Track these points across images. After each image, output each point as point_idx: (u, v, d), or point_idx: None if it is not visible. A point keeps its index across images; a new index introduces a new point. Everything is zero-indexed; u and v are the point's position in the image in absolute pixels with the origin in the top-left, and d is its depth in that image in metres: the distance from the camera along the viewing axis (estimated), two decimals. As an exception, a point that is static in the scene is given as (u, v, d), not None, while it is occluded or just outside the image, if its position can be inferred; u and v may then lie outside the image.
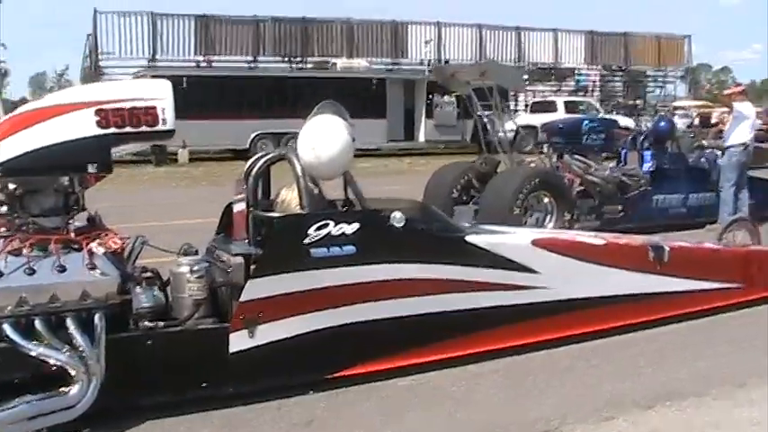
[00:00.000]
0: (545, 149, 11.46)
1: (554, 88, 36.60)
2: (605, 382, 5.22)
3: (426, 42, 32.06)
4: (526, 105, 33.15)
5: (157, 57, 31.59)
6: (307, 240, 4.92)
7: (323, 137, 5.12)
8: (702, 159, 11.98)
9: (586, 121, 10.97)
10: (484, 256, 5.55)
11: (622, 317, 6.09)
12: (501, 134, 10.85)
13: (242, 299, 4.77)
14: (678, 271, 6.46)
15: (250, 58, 32.13)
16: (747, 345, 5.97)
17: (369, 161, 26.36)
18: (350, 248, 5.05)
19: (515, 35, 35.52)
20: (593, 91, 37.25)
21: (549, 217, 9.77)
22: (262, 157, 5.49)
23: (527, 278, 5.71)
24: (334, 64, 30.19)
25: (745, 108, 11.55)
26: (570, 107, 29.68)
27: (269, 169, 5.55)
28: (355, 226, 5.06)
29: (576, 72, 37.59)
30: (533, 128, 26.12)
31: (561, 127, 11.49)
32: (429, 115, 28.83)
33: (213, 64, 31.98)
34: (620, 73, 38.36)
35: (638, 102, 38.52)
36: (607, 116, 22.59)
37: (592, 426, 4.53)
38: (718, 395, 4.97)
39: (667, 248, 6.42)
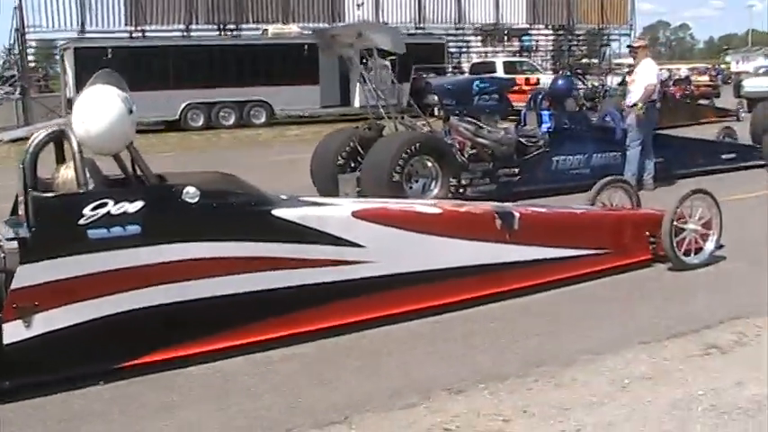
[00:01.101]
0: (436, 112, 11.00)
1: (498, 49, 36.09)
2: (420, 365, 4.81)
3: (358, 5, 31.32)
4: (454, 67, 32.63)
5: (87, 28, 30.61)
6: (82, 221, 4.50)
7: (92, 109, 4.68)
8: (607, 118, 11.54)
9: (477, 82, 10.47)
10: (295, 230, 5.11)
11: (465, 290, 5.70)
12: (383, 98, 10.30)
13: (13, 286, 4.37)
14: (532, 239, 6.06)
15: (183, 27, 31.24)
16: (591, 319, 5.57)
17: (301, 128, 25.88)
18: (134, 228, 4.63)
19: (455, -6, 34.87)
20: (536, 51, 36.75)
21: (434, 183, 9.32)
22: (42, 133, 4.96)
23: (348, 252, 5.28)
24: (266, 30, 29.46)
25: (648, 65, 11.14)
26: (509, 68, 29.22)
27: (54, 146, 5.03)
28: (139, 204, 4.63)
29: (520, 31, 37.07)
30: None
31: (450, 88, 11.01)
32: (362, 80, 28.15)
33: (146, 34, 31.08)
34: (563, 32, 37.83)
35: (592, 61, 38.22)
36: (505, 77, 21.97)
37: (383, 415, 4.11)
38: (541, 375, 4.56)
39: (517, 215, 5.99)
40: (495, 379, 4.50)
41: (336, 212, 5.39)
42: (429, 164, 9.27)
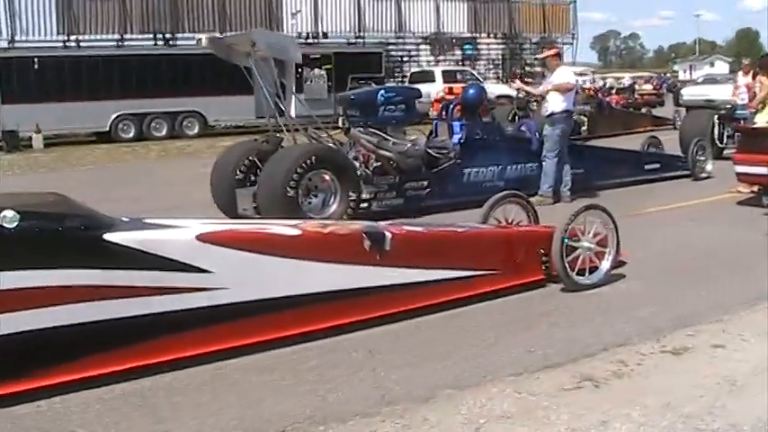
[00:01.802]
0: (340, 123, 10.53)
1: (440, 58, 35.80)
2: (259, 401, 4.31)
3: (293, 14, 30.78)
4: (404, 76, 32.30)
5: (16, 37, 29.68)
6: None
7: None
8: (523, 128, 11.16)
9: (382, 92, 10.00)
10: (131, 256, 4.60)
11: (329, 317, 5.22)
12: (281, 111, 9.80)
13: None
14: (406, 260, 5.60)
15: (117, 36, 30.44)
16: (464, 348, 5.12)
17: (235, 139, 25.24)
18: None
19: (395, 4, 34.38)
20: (476, 60, 36.49)
21: (333, 197, 8.83)
22: None
23: (194, 279, 4.78)
24: (200, 39, 28.74)
25: (564, 73, 10.79)
26: (448, 77, 28.91)
27: None
28: (-60, 230, 4.07)
29: (460, 40, 36.79)
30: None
31: (353, 99, 10.55)
32: (299, 89, 27.67)
33: (81, 44, 30.24)
34: (505, 41, 37.63)
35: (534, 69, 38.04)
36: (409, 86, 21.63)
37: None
38: (390, 415, 4.10)
39: (389, 235, 5.53)
40: (337, 419, 4.04)
41: (180, 236, 4.89)
42: (327, 177, 8.77)
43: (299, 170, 8.48)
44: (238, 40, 9.78)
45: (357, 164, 9.58)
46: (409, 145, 9.80)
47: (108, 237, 4.58)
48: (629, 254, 7.04)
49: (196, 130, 26.63)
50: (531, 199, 10.17)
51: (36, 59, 24.87)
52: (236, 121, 27.89)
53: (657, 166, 12.44)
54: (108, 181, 15.88)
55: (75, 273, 4.44)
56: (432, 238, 5.91)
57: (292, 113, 26.36)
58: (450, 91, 23.59)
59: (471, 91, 10.79)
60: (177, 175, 16.14)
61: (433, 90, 26.20)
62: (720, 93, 24.35)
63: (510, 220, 6.94)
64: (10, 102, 24.01)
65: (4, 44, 29.09)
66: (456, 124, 10.36)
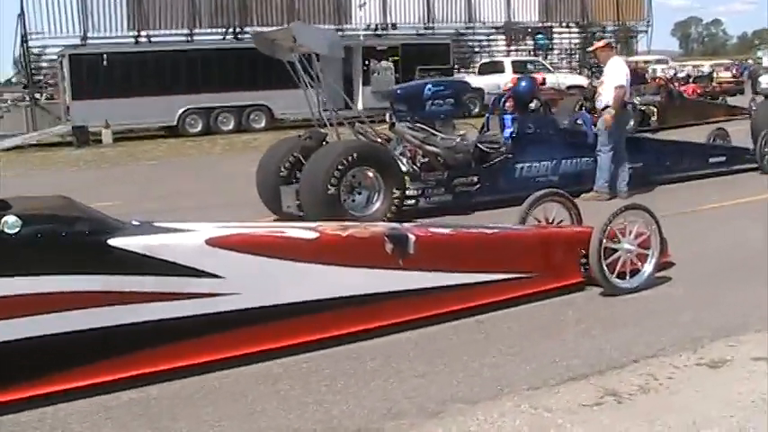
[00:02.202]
0: (387, 118, 10.31)
1: (512, 48, 35.27)
2: (261, 413, 4.14)
3: (360, 6, 30.61)
4: (474, 67, 31.89)
5: (90, 34, 30.27)
6: None
7: None
8: (579, 121, 10.78)
9: (429, 86, 9.73)
10: (135, 261, 4.48)
11: (347, 323, 5.03)
12: (323, 107, 9.62)
13: None
14: (432, 264, 5.37)
15: (187, 31, 30.77)
16: (484, 357, 4.87)
17: (302, 131, 25.28)
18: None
19: (465, -6, 34.02)
20: (549, 50, 35.82)
21: (377, 195, 8.63)
22: None
23: (203, 284, 4.64)
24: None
25: (616, 65, 10.37)
26: (518, 67, 28.41)
27: None
28: (-64, 235, 4.01)
29: (534, 30, 36.18)
30: (481, 90, 25.19)
31: (399, 93, 10.30)
32: (366, 82, 27.57)
33: (151, 39, 30.70)
34: (577, 30, 36.86)
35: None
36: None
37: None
38: (394, 430, 3.89)
39: (413, 238, 5.30)
40: (337, 436, 3.84)
41: (188, 240, 4.75)
42: (370, 175, 8.57)
43: (339, 167, 8.30)
44: (280, 36, 9.62)
45: (404, 160, 9.35)
46: (458, 140, 9.53)
47: (113, 242, 4.46)
48: (679, 254, 6.69)
49: (263, 124, 26.73)
50: (586, 195, 9.95)
51: (105, 56, 25.26)
52: (304, 115, 27.85)
53: (723, 159, 11.90)
54: (168, 176, 16.00)
55: (79, 278, 4.34)
56: (459, 240, 5.65)
57: (360, 106, 26.35)
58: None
59: (523, 83, 10.45)
60: (238, 170, 16.09)
61: (503, 81, 25.73)
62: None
63: (551, 220, 6.64)
64: (79, 98, 24.45)
65: (77, 41, 29.66)
66: (507, 118, 10.05)
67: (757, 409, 3.96)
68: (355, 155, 8.42)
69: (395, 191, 8.60)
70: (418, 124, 9.40)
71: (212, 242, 4.72)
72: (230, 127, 26.31)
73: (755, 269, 6.57)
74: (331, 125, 9.30)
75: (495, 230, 5.95)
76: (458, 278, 5.45)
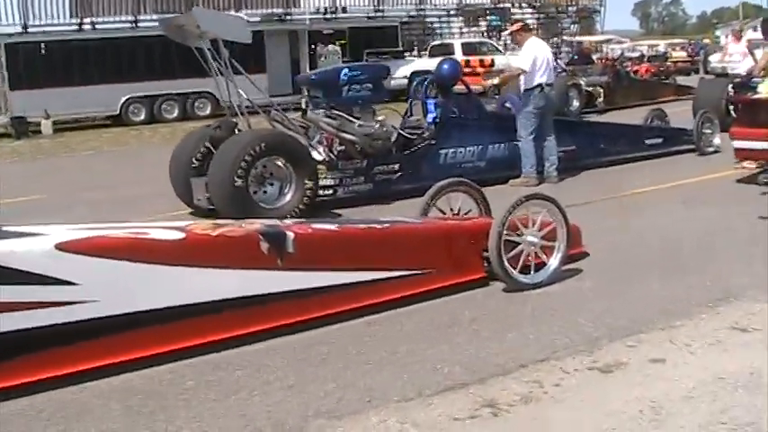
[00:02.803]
0: (303, 105, 9.91)
1: (465, 30, 34.88)
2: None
3: (308, -8, 30.07)
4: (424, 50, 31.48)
5: (30, 22, 29.34)
6: None
7: None
8: (507, 104, 10.43)
9: (345, 71, 9.31)
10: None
11: (220, 329, 4.65)
12: (232, 95, 9.17)
13: None
14: (314, 263, 5.00)
15: (131, 18, 29.97)
16: (363, 364, 4.50)
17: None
18: None
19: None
20: (503, 31, 35.38)
21: (288, 186, 8.23)
22: None
23: (55, 292, 4.22)
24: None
25: (536, 44, 10.02)
26: (468, 49, 28.07)
27: None
28: None
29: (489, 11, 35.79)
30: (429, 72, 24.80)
31: (314, 78, 9.89)
32: (313, 66, 27.04)
33: (96, 27, 29.86)
34: (531, 10, 36.54)
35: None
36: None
37: None
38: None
39: (291, 235, 4.92)
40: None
41: (36, 245, 4.34)
42: (281, 165, 8.17)
43: (247, 158, 7.89)
44: (185, 21, 9.15)
45: (321, 148, 8.95)
46: (376, 126, 9.14)
47: (-55, 250, 4.04)
48: (596, 244, 6.39)
49: (208, 111, 26.12)
50: (515, 180, 9.63)
51: (43, 44, 24.56)
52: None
53: (660, 140, 11.61)
54: (100, 167, 15.54)
55: None
56: (345, 236, 5.28)
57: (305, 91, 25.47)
58: (467, 64, 22.74)
59: (446, 66, 10.05)
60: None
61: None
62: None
63: (456, 211, 6.30)
64: (18, 88, 23.77)
65: (19, 29, 28.78)
66: (430, 102, 9.67)
67: (643, 420, 3.64)
68: (263, 144, 8.01)
69: (307, 181, 8.20)
70: (334, 111, 8.98)
71: (63, 246, 4.32)
72: (174, 115, 25.71)
73: (674, 260, 6.28)
74: (242, 114, 8.85)
75: (387, 225, 5.58)
76: (345, 277, 5.09)
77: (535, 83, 9.61)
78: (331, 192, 8.86)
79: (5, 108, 24.72)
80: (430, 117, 9.59)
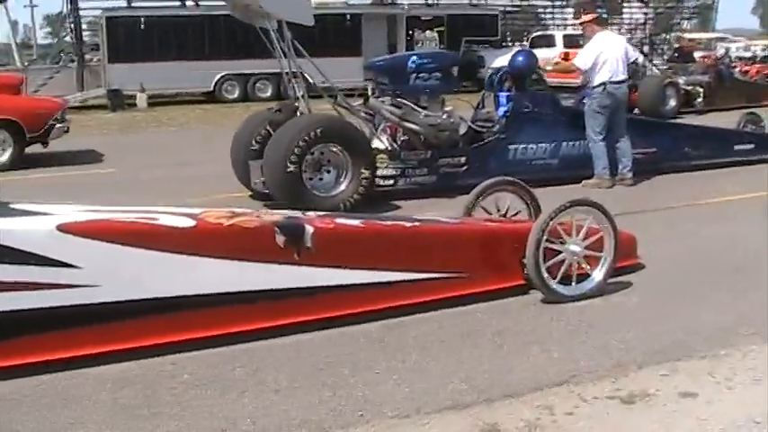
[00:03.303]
0: (369, 92, 9.62)
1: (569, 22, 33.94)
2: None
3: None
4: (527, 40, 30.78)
5: (136, -3, 29.88)
6: None
7: None
8: (584, 100, 9.94)
9: (414, 58, 8.99)
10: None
11: (227, 323, 4.47)
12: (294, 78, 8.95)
13: None
14: (333, 259, 4.75)
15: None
16: (367, 375, 4.23)
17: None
18: None
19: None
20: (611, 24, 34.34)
21: (344, 174, 8.00)
22: None
23: (53, 274, 4.10)
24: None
25: (603, 40, 9.44)
26: (569, 41, 27.27)
27: None
28: None
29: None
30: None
31: (381, 65, 9.60)
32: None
33: (199, 3, 30.20)
34: (640, 3, 35.37)
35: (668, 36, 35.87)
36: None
37: None
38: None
39: (310, 229, 4.67)
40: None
41: (39, 225, 4.22)
42: (337, 152, 7.94)
43: (301, 144, 7.68)
44: (250, 1, 8.97)
45: (384, 137, 8.69)
46: (443, 117, 8.80)
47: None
48: (660, 253, 5.98)
49: (301, 92, 26.13)
50: (587, 181, 9.17)
51: (143, 19, 24.94)
52: (348, 83, 27.25)
53: (752, 146, 10.91)
54: (181, 143, 15.65)
55: None
56: (370, 233, 4.99)
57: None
58: (566, 57, 22.05)
59: (520, 58, 9.60)
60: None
61: (551, 55, 24.70)
62: None
63: (504, 212, 5.94)
64: (115, 61, 24.21)
65: (123, 3, 29.33)
66: (502, 95, 9.28)
67: (653, 465, 3.26)
68: (319, 130, 7.78)
69: (363, 171, 7.94)
70: (399, 99, 8.69)
71: (65, 228, 4.19)
72: (268, 94, 25.75)
73: (742, 275, 5.76)
74: (302, 98, 8.64)
75: (417, 223, 5.28)
76: (365, 276, 4.82)
77: (597, 81, 9.09)
78: (392, 182, 8.59)
79: (103, 80, 25.21)
80: (501, 110, 9.20)
